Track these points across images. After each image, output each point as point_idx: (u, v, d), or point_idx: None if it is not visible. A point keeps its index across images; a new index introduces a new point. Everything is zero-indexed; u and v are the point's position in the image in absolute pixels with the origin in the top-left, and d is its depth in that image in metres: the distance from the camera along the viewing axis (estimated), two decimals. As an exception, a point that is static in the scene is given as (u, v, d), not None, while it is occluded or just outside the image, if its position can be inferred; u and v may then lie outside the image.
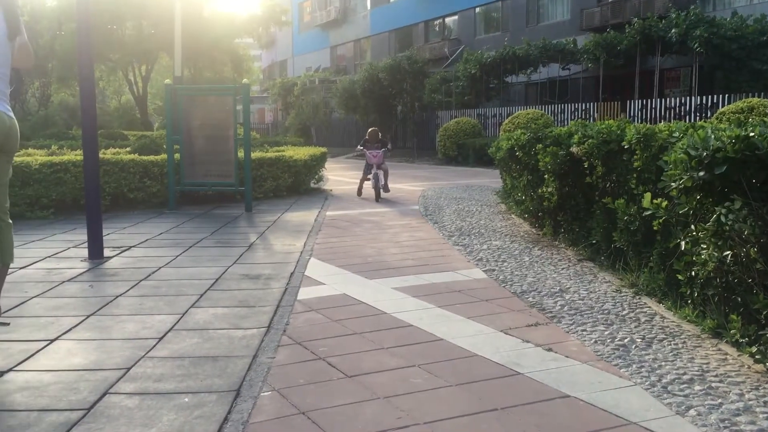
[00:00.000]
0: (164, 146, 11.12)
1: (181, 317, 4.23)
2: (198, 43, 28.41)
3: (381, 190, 11.50)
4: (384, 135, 12.76)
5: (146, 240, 7.21)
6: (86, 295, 4.83)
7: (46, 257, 6.20)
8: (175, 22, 11.64)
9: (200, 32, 28.32)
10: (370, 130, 12.39)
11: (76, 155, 9.99)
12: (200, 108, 10.16)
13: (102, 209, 6.76)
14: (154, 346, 3.67)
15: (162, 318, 4.21)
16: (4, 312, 4.13)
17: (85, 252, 6.26)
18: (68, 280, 5.28)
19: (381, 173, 11.60)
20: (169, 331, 3.95)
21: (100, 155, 8.97)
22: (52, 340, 3.76)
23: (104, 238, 6.46)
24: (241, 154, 10.18)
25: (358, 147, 12.23)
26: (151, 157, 10.43)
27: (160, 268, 5.77)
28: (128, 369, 3.31)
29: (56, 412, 2.80)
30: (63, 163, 9.22)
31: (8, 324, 3.90)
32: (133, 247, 6.79)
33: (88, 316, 4.25)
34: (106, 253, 6.32)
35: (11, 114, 3.73)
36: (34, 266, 5.82)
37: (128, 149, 13.19)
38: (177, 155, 10.12)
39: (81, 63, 6.17)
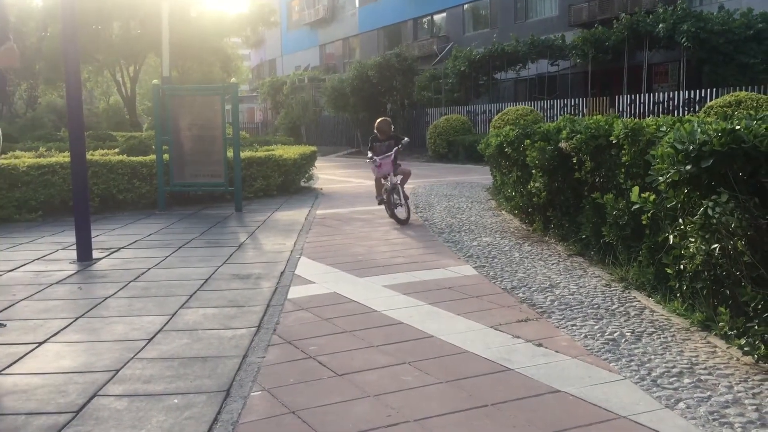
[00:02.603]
0: (153, 147, 11.08)
1: (171, 318, 4.21)
2: (186, 43, 28.30)
3: (400, 209, 8.14)
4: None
5: (135, 241, 7.17)
6: (75, 297, 4.80)
7: (34, 260, 6.16)
8: (162, 22, 11.60)
9: (188, 32, 28.23)
10: (379, 121, 8.73)
11: (64, 157, 9.93)
12: (189, 108, 10.12)
13: (91, 211, 6.73)
14: (144, 347, 3.65)
15: (151, 319, 4.19)
16: None
17: (73, 254, 6.22)
18: (57, 283, 5.25)
19: (398, 181, 8.29)
20: (158, 332, 3.93)
21: (89, 156, 8.92)
22: (41, 343, 3.74)
23: (93, 239, 6.42)
24: (230, 153, 10.15)
25: (369, 155, 8.49)
26: (140, 158, 10.38)
27: (149, 269, 5.75)
28: (117, 371, 3.29)
29: (44, 415, 2.78)
30: (51, 165, 9.17)
31: (5, 325, 3.87)
32: (123, 248, 6.76)
33: (76, 319, 4.22)
34: (95, 254, 6.29)
35: None
36: (22, 269, 5.78)
37: (117, 150, 13.14)
38: (166, 156, 10.08)
39: (67, 64, 6.13)
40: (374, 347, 3.61)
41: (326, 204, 10.67)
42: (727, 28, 20.41)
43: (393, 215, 8.19)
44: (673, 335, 3.67)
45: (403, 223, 8.02)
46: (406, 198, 8.21)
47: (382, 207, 8.60)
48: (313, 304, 4.51)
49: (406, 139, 8.63)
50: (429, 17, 37.26)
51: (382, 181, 8.40)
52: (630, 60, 23.79)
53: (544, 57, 26.39)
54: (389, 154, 8.30)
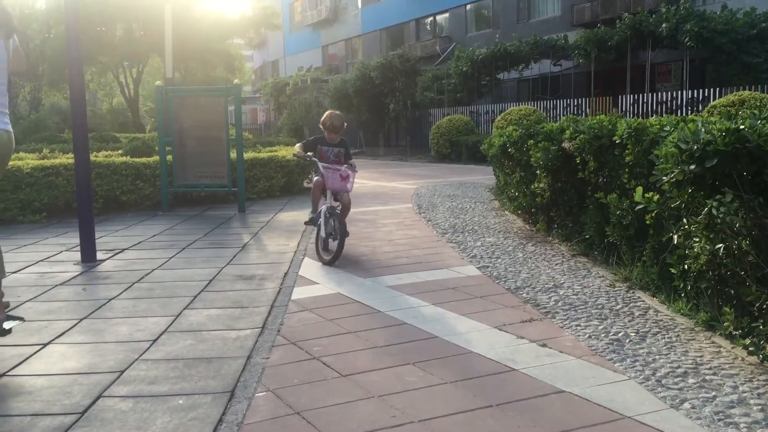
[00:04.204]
0: (156, 148, 11.10)
1: (175, 319, 4.22)
2: (189, 45, 28.37)
3: (333, 246, 5.91)
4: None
5: (139, 242, 7.18)
6: (79, 299, 4.81)
7: (38, 261, 6.17)
8: (165, 23, 11.63)
9: (191, 33, 28.29)
10: (330, 114, 6.37)
11: (67, 158, 9.95)
12: (192, 109, 10.13)
13: (94, 212, 6.74)
14: (148, 348, 3.66)
15: (155, 320, 4.20)
16: None
17: (77, 255, 6.24)
18: (61, 284, 5.26)
19: (337, 210, 6.10)
20: (162, 333, 3.93)
21: (92, 158, 8.94)
22: (45, 344, 3.75)
23: (97, 241, 6.43)
24: (233, 154, 10.16)
25: (297, 149, 6.33)
26: (144, 159, 10.40)
27: (153, 270, 5.75)
28: (122, 372, 3.29)
29: (50, 417, 2.79)
30: (54, 166, 9.18)
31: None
32: (126, 249, 6.77)
33: (81, 320, 4.23)
34: (99, 256, 6.29)
35: (9, 128, 3.70)
36: (26, 270, 5.79)
37: (120, 151, 13.15)
38: (169, 157, 10.09)
39: (71, 66, 6.14)
40: (378, 348, 3.61)
41: (329, 205, 10.64)
42: (730, 27, 20.38)
43: (323, 248, 6.01)
44: (678, 335, 3.66)
45: (328, 263, 5.82)
46: (343, 232, 5.85)
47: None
48: (317, 305, 4.51)
49: (355, 164, 6.32)
50: (431, 18, 37.26)
51: (328, 197, 6.15)
52: (633, 60, 23.77)
53: (547, 57, 26.38)
54: (341, 168, 6.07)
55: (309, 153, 6.29)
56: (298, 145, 6.40)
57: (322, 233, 6.01)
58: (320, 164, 6.09)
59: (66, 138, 21.20)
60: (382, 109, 31.59)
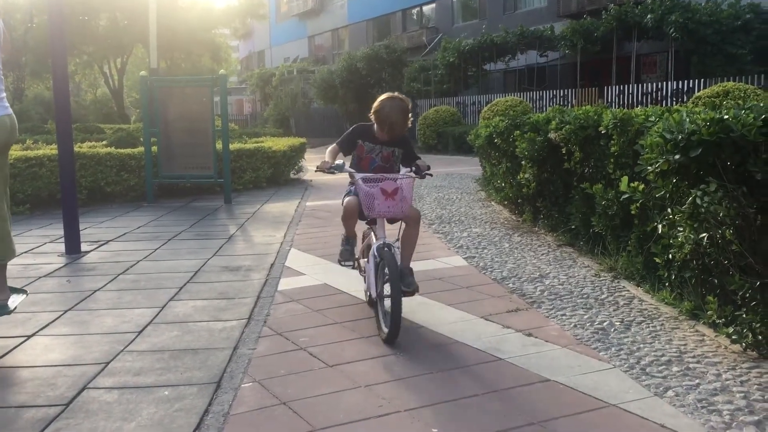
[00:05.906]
0: (141, 139, 11.02)
1: (161, 310, 4.20)
2: (174, 35, 28.10)
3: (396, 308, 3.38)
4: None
5: (124, 234, 7.14)
6: (64, 290, 4.77)
7: (22, 253, 6.11)
8: (149, 12, 11.52)
9: (176, 23, 28.03)
10: (387, 100, 3.84)
11: (51, 149, 9.85)
12: (177, 100, 10.07)
13: (79, 203, 6.68)
14: (133, 340, 3.64)
15: (141, 311, 4.18)
16: None
17: (62, 247, 6.19)
18: (45, 276, 5.22)
19: (395, 248, 3.81)
20: (148, 324, 3.91)
21: (76, 149, 8.86)
22: (30, 336, 3.72)
23: (81, 232, 6.39)
24: (219, 145, 10.10)
25: (327, 155, 3.85)
26: (129, 150, 10.33)
27: (138, 261, 5.72)
28: (107, 363, 3.28)
29: (34, 408, 2.77)
30: (38, 157, 9.10)
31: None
32: (111, 241, 6.72)
33: (65, 311, 4.20)
34: (84, 247, 6.25)
35: (10, 111, 3.67)
36: (10, 262, 5.73)
37: (105, 142, 13.05)
38: (154, 148, 10.03)
39: (54, 56, 6.07)
40: (365, 338, 3.61)
41: (316, 196, 10.65)
42: (715, 18, 20.47)
43: (382, 315, 3.64)
44: (662, 324, 3.69)
45: (386, 339, 3.51)
46: (401, 283, 3.56)
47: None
48: (304, 296, 4.51)
49: (424, 164, 3.91)
50: (418, 8, 37.15)
51: (378, 228, 3.94)
52: (618, 51, 23.83)
53: (533, 48, 26.39)
54: (398, 178, 3.77)
55: (337, 163, 3.81)
56: (330, 148, 3.98)
57: (372, 292, 3.86)
58: (357, 176, 3.79)
59: (49, 129, 20.98)
60: (368, 100, 31.46)
